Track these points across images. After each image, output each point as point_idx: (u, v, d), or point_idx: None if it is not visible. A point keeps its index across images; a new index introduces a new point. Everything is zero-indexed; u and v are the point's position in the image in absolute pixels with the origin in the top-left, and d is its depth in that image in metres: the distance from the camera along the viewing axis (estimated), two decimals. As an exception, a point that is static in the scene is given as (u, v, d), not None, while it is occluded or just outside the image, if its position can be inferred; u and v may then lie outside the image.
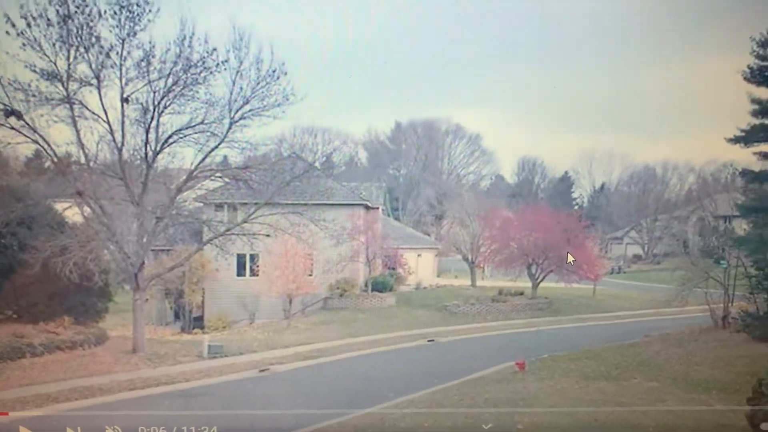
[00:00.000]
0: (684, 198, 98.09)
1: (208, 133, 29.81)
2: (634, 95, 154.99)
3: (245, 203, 34.10)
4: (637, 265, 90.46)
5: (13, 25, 25.78)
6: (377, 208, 54.98)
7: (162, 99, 28.34)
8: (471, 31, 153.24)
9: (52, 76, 26.74)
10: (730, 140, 34.31)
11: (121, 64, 27.35)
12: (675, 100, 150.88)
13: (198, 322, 44.12)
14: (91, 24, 26.47)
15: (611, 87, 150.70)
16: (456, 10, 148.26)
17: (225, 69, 28.63)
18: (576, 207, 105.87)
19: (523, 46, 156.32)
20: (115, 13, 26.59)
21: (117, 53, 27.14)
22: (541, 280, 50.67)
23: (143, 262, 30.49)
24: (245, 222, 32.08)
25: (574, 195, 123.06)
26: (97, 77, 27.26)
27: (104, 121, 28.17)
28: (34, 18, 25.76)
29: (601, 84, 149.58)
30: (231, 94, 29.27)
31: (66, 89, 26.99)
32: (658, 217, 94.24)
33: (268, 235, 32.93)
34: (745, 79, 32.98)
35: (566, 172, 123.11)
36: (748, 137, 33.82)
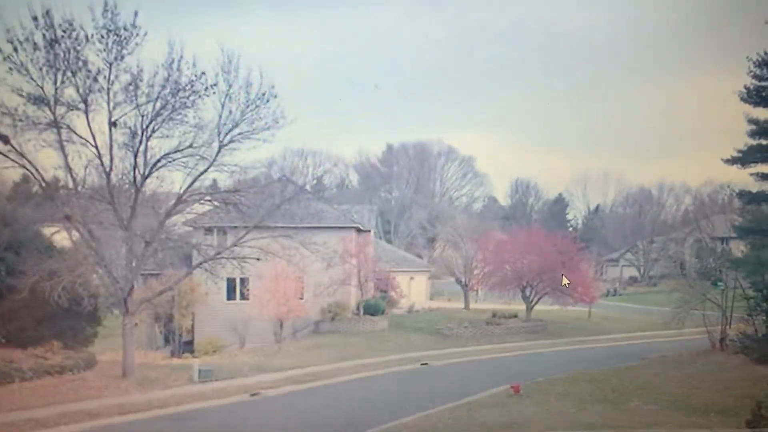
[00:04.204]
0: (680, 219, 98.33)
1: (197, 157, 29.52)
2: (629, 116, 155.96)
3: (235, 227, 34.09)
4: (633, 287, 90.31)
5: (0, 50, 25.60)
6: (369, 231, 54.70)
7: (150, 123, 28.03)
8: (462, 54, 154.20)
9: (39, 101, 26.41)
10: (727, 161, 34.45)
11: (108, 88, 26.96)
12: (671, 121, 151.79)
13: (188, 347, 43.87)
14: (78, 48, 26.17)
15: (606, 108, 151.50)
16: (448, 34, 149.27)
17: (214, 92, 28.32)
18: (571, 229, 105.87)
19: (515, 69, 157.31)
20: (102, 37, 26.26)
21: (104, 77, 26.77)
22: (536, 303, 50.46)
23: (132, 287, 30.14)
24: (235, 246, 31.80)
25: (569, 217, 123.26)
26: (85, 101, 26.90)
27: (92, 145, 27.81)
28: (20, 42, 25.45)
29: (596, 105, 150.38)
30: (220, 117, 28.98)
31: (53, 113, 26.64)
32: (654, 238, 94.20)
33: (258, 259, 32.54)
34: (742, 99, 33.11)
35: (560, 194, 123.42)
36: (745, 158, 33.84)
